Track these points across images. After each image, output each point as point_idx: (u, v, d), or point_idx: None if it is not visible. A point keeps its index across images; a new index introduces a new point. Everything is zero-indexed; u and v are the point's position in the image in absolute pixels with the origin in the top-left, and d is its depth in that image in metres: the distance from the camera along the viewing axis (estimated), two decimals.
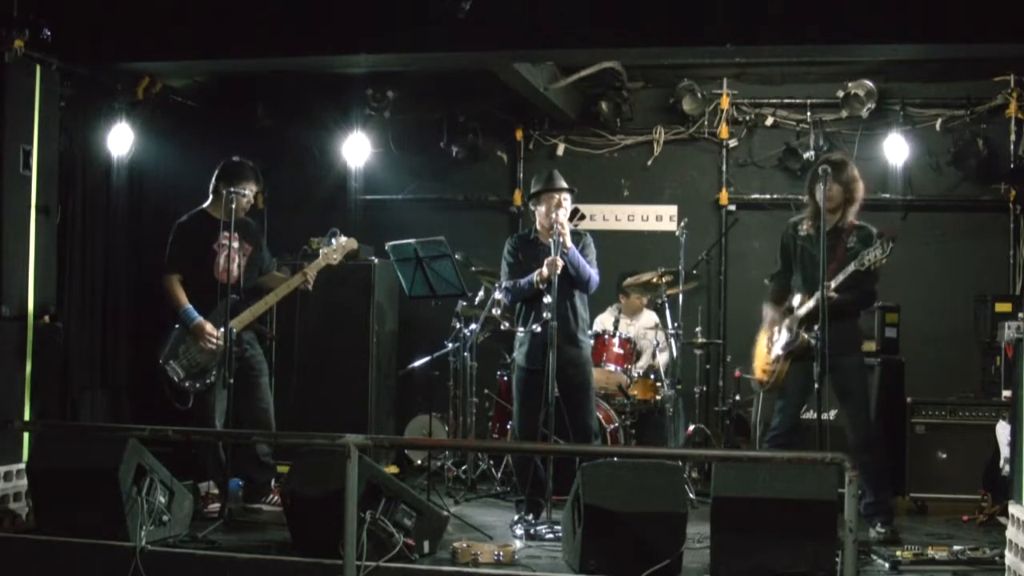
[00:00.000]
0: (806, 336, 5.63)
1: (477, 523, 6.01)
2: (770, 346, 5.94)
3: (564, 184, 6.06)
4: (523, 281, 6.01)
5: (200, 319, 6.16)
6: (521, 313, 6.16)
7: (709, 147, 8.64)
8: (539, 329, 5.91)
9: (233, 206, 6.06)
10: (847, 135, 8.28)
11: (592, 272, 6.04)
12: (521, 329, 6.08)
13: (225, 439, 6.14)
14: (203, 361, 6.15)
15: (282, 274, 6.76)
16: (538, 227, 6.16)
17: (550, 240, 5.92)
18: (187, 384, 6.13)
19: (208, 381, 6.14)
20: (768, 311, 6.01)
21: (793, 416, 5.83)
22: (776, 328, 5.92)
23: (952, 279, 8.09)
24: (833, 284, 5.47)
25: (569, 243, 5.89)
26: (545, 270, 5.84)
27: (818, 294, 5.32)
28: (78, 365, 7.20)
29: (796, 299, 5.79)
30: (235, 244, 6.25)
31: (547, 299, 5.83)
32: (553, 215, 5.95)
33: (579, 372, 6.05)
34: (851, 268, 5.45)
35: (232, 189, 6.08)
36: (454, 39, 6.32)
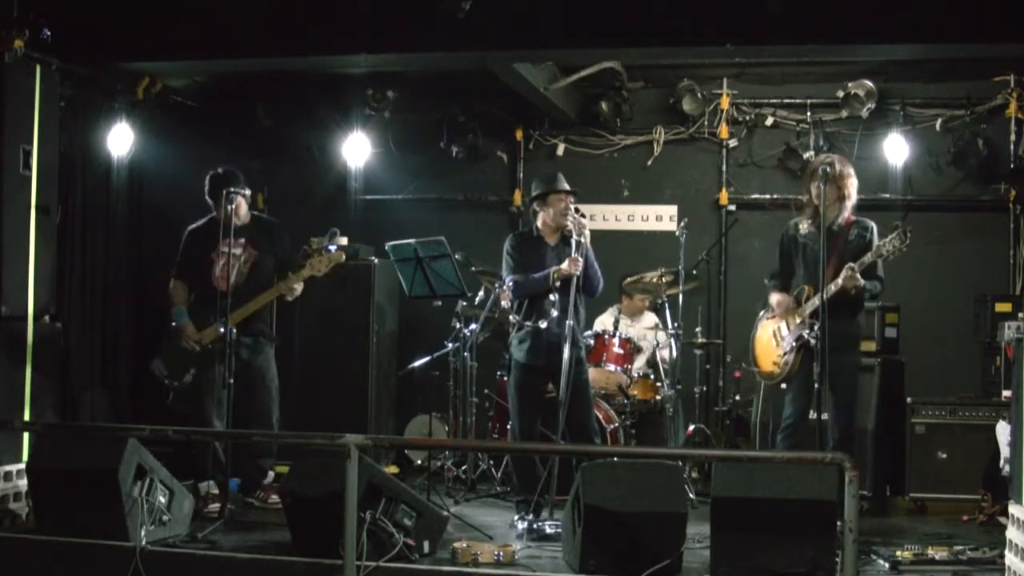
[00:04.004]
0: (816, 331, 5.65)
1: (477, 523, 6.00)
2: (779, 339, 5.97)
3: (568, 187, 6.10)
4: (538, 275, 5.97)
5: (185, 320, 6.29)
6: (523, 310, 6.14)
7: (709, 147, 8.62)
8: (545, 325, 5.91)
9: (233, 207, 6.09)
10: (847, 135, 8.26)
11: (600, 274, 6.07)
12: (528, 323, 6.04)
13: (225, 439, 6.15)
14: (182, 360, 6.25)
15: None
16: (540, 226, 6.15)
17: (563, 240, 5.95)
18: (167, 381, 6.27)
19: (186, 380, 6.24)
20: (777, 300, 6.01)
21: (804, 408, 5.85)
22: (785, 321, 5.95)
23: (952, 279, 8.07)
24: (840, 279, 5.52)
25: (589, 243, 5.92)
26: (565, 267, 5.85)
27: (838, 279, 5.50)
28: (78, 365, 7.20)
29: (804, 293, 5.84)
30: (237, 251, 6.26)
31: (552, 296, 5.86)
32: (572, 217, 5.95)
33: (580, 372, 6.05)
34: (868, 259, 5.55)
35: (232, 189, 6.09)
36: (454, 39, 6.32)
